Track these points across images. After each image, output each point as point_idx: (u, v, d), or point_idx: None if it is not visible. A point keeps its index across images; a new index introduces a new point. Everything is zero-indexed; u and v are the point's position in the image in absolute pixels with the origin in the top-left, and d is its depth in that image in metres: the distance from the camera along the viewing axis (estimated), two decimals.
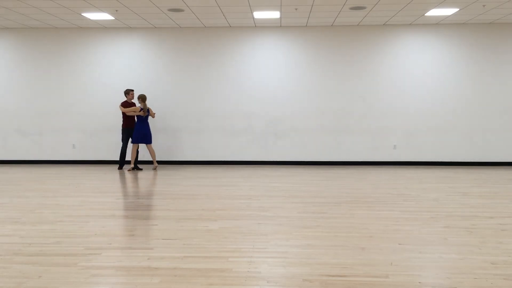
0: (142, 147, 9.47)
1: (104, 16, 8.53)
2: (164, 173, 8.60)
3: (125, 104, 8.96)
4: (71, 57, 9.84)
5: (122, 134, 9.09)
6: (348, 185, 7.12)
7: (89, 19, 8.80)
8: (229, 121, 9.79)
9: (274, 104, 9.74)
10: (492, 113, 9.51)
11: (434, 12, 8.34)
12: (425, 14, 8.52)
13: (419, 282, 3.06)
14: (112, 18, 8.71)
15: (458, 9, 8.13)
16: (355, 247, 3.84)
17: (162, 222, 4.70)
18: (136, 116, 8.91)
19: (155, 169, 9.10)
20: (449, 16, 8.65)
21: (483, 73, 9.48)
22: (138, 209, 5.34)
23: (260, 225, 4.56)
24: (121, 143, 9.21)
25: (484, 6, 7.86)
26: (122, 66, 9.81)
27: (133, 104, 9.04)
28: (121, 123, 9.17)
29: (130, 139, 9.05)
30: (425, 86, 9.56)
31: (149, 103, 9.82)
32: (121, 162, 9.15)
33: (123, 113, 8.95)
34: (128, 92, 8.99)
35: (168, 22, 9.16)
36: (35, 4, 7.69)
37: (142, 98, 8.89)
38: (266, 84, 9.71)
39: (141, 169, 9.07)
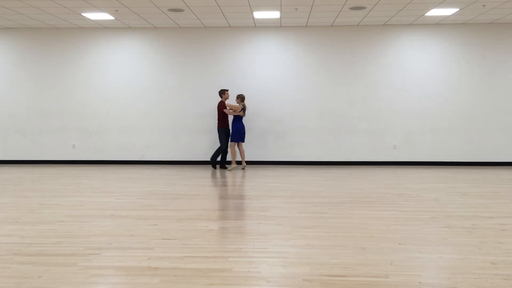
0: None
1: (104, 16, 8.53)
2: (164, 173, 8.60)
3: (223, 104, 8.93)
4: (71, 57, 9.84)
5: (220, 133, 8.97)
6: (348, 185, 7.12)
7: (89, 19, 8.80)
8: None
9: (274, 104, 9.74)
10: (492, 113, 9.51)
11: (434, 12, 8.34)
12: (425, 14, 8.52)
13: (419, 282, 3.06)
14: (112, 18, 8.71)
15: (458, 9, 8.13)
16: (355, 247, 3.84)
17: (162, 222, 4.70)
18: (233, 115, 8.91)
19: (243, 168, 9.06)
20: (449, 16, 8.65)
21: (483, 73, 9.48)
22: (138, 209, 5.34)
23: (260, 225, 4.56)
24: (217, 143, 9.24)
25: (484, 6, 7.86)
26: (122, 66, 9.81)
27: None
28: (216, 123, 9.22)
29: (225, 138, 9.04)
30: (425, 86, 9.56)
31: (149, 103, 9.83)
32: (223, 162, 9.17)
33: (220, 113, 8.90)
34: (224, 92, 8.94)
35: (168, 22, 9.16)
36: (35, 4, 7.69)
37: (242, 98, 8.90)
38: (266, 84, 9.71)
39: (226, 168, 9.14)
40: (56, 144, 9.98)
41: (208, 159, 9.87)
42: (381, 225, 4.57)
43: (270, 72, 9.70)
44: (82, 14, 8.38)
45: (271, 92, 9.72)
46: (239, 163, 9.51)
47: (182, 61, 9.77)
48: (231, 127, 9.03)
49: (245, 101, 9.74)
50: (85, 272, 3.26)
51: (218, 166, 9.39)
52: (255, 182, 7.46)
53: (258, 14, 8.45)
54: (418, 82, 9.56)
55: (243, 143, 9.13)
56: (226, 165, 9.28)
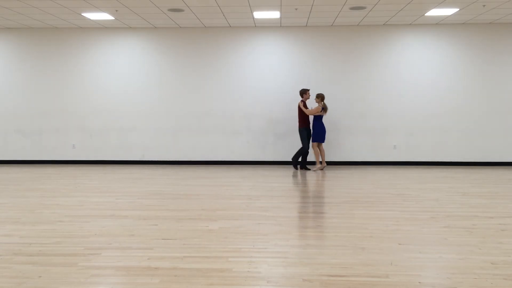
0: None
1: (104, 16, 8.53)
2: (164, 173, 8.60)
3: (304, 104, 8.83)
4: (71, 57, 9.84)
5: (302, 134, 8.80)
6: (348, 185, 7.12)
7: (89, 19, 8.80)
8: (229, 121, 9.79)
9: (274, 104, 9.74)
10: (492, 113, 9.51)
11: (434, 12, 8.34)
12: (425, 14, 8.52)
13: (419, 282, 3.05)
14: (112, 18, 8.71)
15: (458, 9, 8.13)
16: (355, 247, 3.84)
17: (162, 222, 4.70)
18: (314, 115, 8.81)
19: (322, 169, 8.97)
20: (449, 16, 8.65)
21: (483, 73, 9.49)
22: (138, 209, 5.34)
23: (260, 225, 4.56)
24: (300, 144, 9.09)
25: (484, 6, 7.86)
26: (122, 66, 9.81)
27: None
28: (297, 123, 9.09)
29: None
30: (425, 86, 9.56)
31: (149, 103, 9.83)
32: (304, 162, 8.99)
33: (301, 113, 8.76)
34: (305, 92, 8.81)
35: (168, 22, 9.16)
36: (35, 4, 7.69)
37: (322, 97, 8.80)
38: (266, 84, 9.71)
39: (308, 169, 9.01)
40: (56, 144, 9.98)
41: (207, 159, 9.89)
42: (381, 225, 4.57)
43: (270, 72, 9.70)
44: (82, 14, 8.38)
45: (271, 91, 9.73)
46: (310, 163, 9.57)
47: (182, 61, 9.78)
48: (312, 127, 8.91)
49: (245, 102, 9.77)
50: (85, 272, 3.26)
51: (299, 166, 9.22)
52: (255, 182, 7.46)
53: (258, 14, 8.45)
54: (418, 82, 9.56)
55: (323, 143, 9.02)
56: (307, 166, 9.23)
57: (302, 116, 8.80)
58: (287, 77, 9.69)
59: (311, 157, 9.62)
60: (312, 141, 8.88)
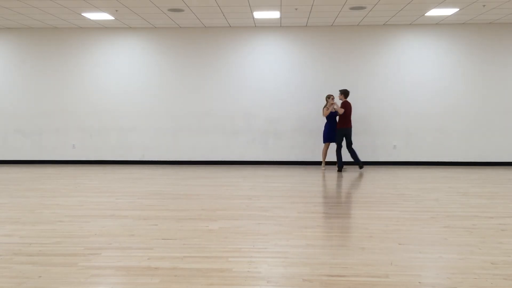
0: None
1: (104, 16, 8.53)
2: (164, 173, 8.60)
3: (349, 104, 8.70)
4: (71, 57, 9.84)
5: (337, 135, 8.73)
6: (348, 185, 7.12)
7: (89, 19, 8.80)
8: (229, 121, 9.79)
9: (274, 104, 9.74)
10: (492, 113, 9.51)
11: (434, 12, 8.34)
12: (425, 14, 8.52)
13: (419, 282, 3.06)
14: (112, 18, 8.71)
15: (458, 9, 8.13)
16: (355, 247, 3.84)
17: (162, 222, 4.70)
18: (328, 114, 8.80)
19: (324, 169, 9.00)
20: (449, 16, 8.65)
21: (483, 73, 9.48)
22: (138, 209, 5.34)
23: (260, 225, 4.56)
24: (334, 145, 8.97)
25: (484, 6, 7.86)
26: (121, 66, 9.81)
27: (342, 104, 8.69)
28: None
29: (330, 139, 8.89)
30: (425, 86, 9.56)
31: (149, 103, 9.83)
32: (342, 164, 8.81)
33: (349, 113, 8.66)
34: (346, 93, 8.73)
35: (168, 22, 9.16)
36: (35, 4, 7.69)
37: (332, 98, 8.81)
38: (266, 84, 9.71)
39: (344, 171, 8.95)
40: (56, 144, 9.98)
41: (207, 159, 9.88)
42: (381, 225, 4.57)
43: (270, 72, 9.70)
44: (82, 14, 8.38)
45: (271, 91, 9.72)
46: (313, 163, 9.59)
47: (182, 61, 9.77)
48: (324, 127, 8.98)
49: (245, 102, 9.78)
50: (85, 272, 3.26)
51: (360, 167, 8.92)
52: (255, 182, 7.46)
53: (258, 14, 8.45)
54: (418, 81, 9.56)
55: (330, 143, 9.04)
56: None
57: (349, 116, 8.71)
58: (287, 77, 9.69)
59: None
60: (327, 141, 8.92)
